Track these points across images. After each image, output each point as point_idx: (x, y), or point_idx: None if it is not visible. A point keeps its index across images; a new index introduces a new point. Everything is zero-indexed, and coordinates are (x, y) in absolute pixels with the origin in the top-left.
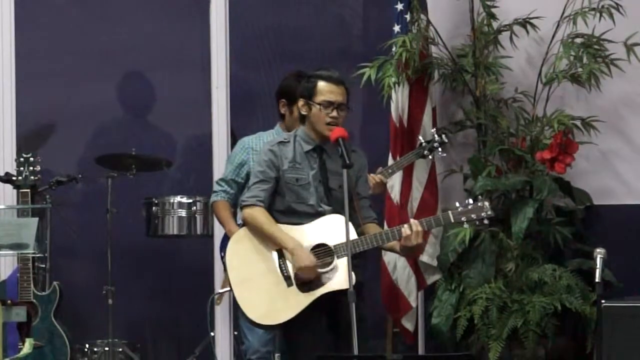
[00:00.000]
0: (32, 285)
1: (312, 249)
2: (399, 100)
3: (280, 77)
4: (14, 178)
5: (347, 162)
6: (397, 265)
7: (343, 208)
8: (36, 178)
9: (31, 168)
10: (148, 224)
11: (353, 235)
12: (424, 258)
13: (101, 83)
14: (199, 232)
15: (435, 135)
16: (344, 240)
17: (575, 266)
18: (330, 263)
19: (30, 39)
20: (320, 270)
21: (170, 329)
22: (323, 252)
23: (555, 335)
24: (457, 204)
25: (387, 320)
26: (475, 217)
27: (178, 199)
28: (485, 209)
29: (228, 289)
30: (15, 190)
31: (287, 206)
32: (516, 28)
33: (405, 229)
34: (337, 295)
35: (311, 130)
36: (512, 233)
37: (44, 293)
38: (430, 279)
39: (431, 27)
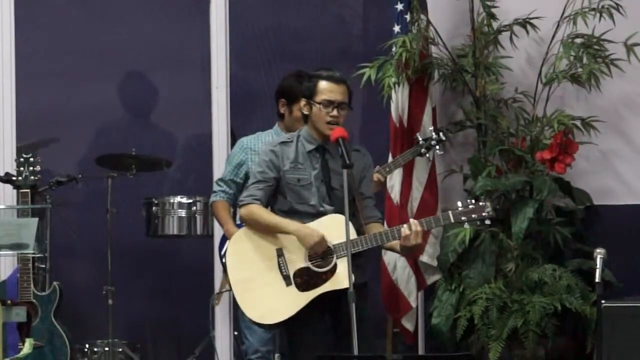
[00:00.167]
0: (32, 285)
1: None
2: (399, 100)
3: (280, 77)
4: (14, 178)
5: (347, 162)
6: (397, 265)
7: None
8: (36, 178)
9: (31, 168)
10: (148, 224)
11: (353, 234)
12: (424, 258)
13: (101, 83)
14: (199, 232)
15: (433, 133)
16: (343, 239)
17: (575, 266)
18: (330, 262)
19: (30, 39)
20: (319, 269)
21: (170, 329)
22: (323, 251)
23: (555, 335)
24: (459, 204)
25: (387, 320)
26: (476, 217)
27: (178, 199)
28: (487, 209)
29: (226, 289)
30: (15, 190)
31: (290, 206)
32: (516, 28)
33: (404, 229)
34: (339, 295)
35: (313, 129)
36: (512, 233)
37: (44, 293)
38: (430, 279)
39: (431, 27)
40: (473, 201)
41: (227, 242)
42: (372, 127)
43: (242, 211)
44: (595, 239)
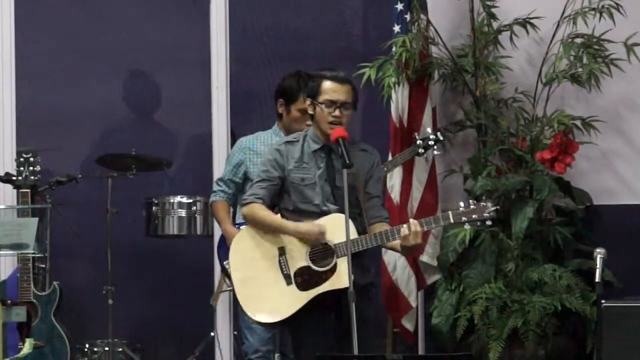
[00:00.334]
0: (32, 285)
1: (313, 248)
2: (399, 100)
3: (280, 77)
4: (14, 178)
5: (347, 162)
6: (397, 265)
7: (351, 207)
8: (36, 178)
9: (31, 168)
10: (148, 224)
11: (354, 234)
12: (424, 258)
13: (101, 83)
14: (199, 232)
15: (431, 134)
16: (344, 239)
17: (575, 266)
18: (331, 262)
19: (30, 39)
20: (319, 269)
21: (170, 329)
22: (324, 250)
23: (555, 335)
24: (461, 204)
25: (387, 320)
26: (476, 218)
27: (178, 199)
28: (488, 210)
29: (223, 289)
30: (15, 190)
31: (294, 206)
32: (516, 28)
33: (404, 229)
34: (341, 295)
35: (317, 129)
36: (512, 233)
37: (44, 293)
38: (430, 279)
39: (431, 27)
40: (474, 201)
41: (227, 242)
42: (372, 127)
43: (244, 210)
44: (595, 239)
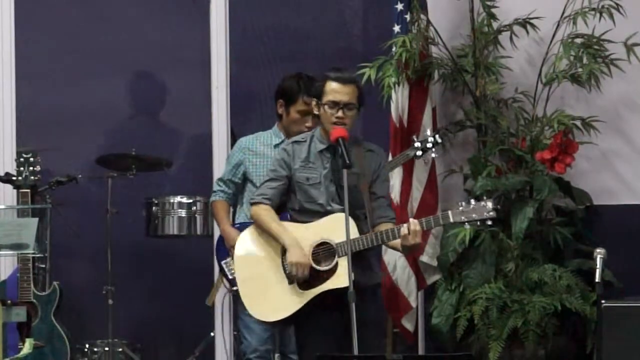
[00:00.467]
0: (32, 285)
1: (314, 247)
2: (399, 100)
3: (280, 77)
4: (14, 178)
5: (347, 162)
6: (397, 265)
7: (356, 207)
8: (36, 178)
9: (31, 168)
10: (148, 224)
11: (356, 234)
12: (424, 258)
13: (101, 83)
14: (199, 232)
15: (429, 136)
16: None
17: (575, 266)
18: (332, 261)
19: (30, 39)
20: (321, 268)
21: (170, 329)
22: (325, 250)
23: (555, 335)
24: (460, 204)
25: (387, 320)
26: (476, 217)
27: (178, 199)
28: (487, 209)
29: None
30: (15, 190)
31: (300, 205)
32: (516, 28)
33: (403, 229)
34: (346, 295)
35: (323, 130)
36: (512, 233)
37: (44, 293)
38: (430, 279)
39: (431, 27)
40: (474, 201)
41: (225, 242)
42: (372, 127)
43: (252, 209)
44: (596, 239)
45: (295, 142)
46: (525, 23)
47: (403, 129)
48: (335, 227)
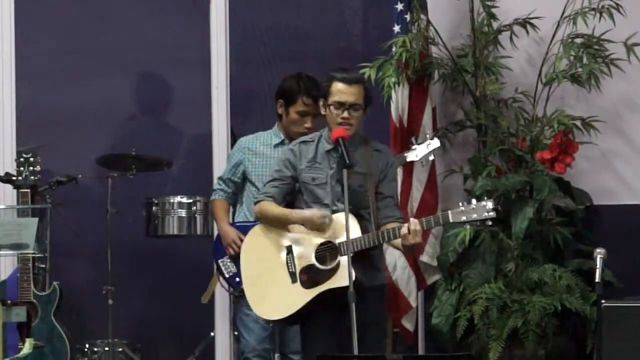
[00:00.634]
0: (32, 285)
1: (318, 246)
2: (399, 100)
3: (280, 77)
4: (14, 178)
5: (347, 162)
6: (397, 265)
7: (363, 207)
8: (36, 178)
9: (31, 168)
10: (148, 224)
11: (358, 233)
12: (424, 258)
13: (101, 83)
14: (199, 232)
15: (428, 138)
16: (350, 237)
17: (575, 266)
18: (335, 260)
19: (30, 39)
20: (323, 267)
21: (170, 329)
22: (329, 249)
23: (555, 335)
24: (461, 204)
25: (387, 320)
26: (476, 217)
27: (178, 199)
28: (487, 209)
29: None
30: (15, 190)
31: (307, 205)
32: (516, 28)
33: (403, 229)
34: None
35: (329, 130)
36: (512, 233)
37: (44, 293)
38: (430, 279)
39: (431, 27)
40: (474, 201)
41: (223, 241)
42: (372, 127)
43: (255, 208)
44: (596, 239)
45: (303, 142)
46: (525, 23)
47: (403, 129)
48: (339, 227)
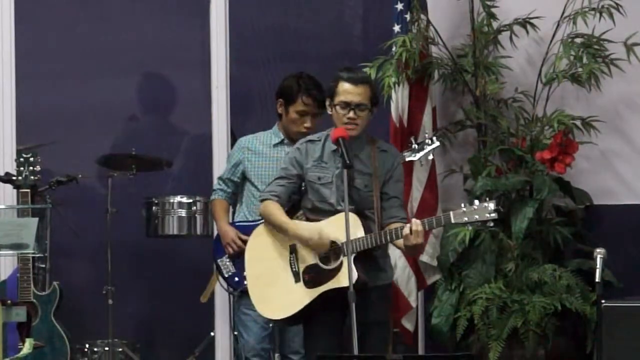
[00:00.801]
0: (32, 285)
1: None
2: (399, 100)
3: (280, 77)
4: (14, 178)
5: (347, 162)
6: (397, 265)
7: (366, 207)
8: (36, 178)
9: (31, 168)
10: (148, 224)
11: (362, 233)
12: (424, 258)
13: (101, 83)
14: (199, 232)
15: (427, 138)
16: (353, 237)
17: (575, 266)
18: (338, 260)
19: (30, 39)
20: (326, 267)
21: (170, 329)
22: (331, 249)
23: (555, 335)
24: (464, 205)
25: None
26: (478, 219)
27: (178, 199)
28: (489, 210)
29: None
30: (15, 190)
31: (312, 204)
32: (516, 28)
33: (405, 229)
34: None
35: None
36: (512, 233)
37: (44, 293)
38: (430, 279)
39: (431, 27)
40: (477, 202)
41: (222, 240)
42: (372, 127)
43: (260, 207)
44: (596, 239)
45: (310, 141)
46: (525, 23)
47: (403, 129)
48: (342, 227)
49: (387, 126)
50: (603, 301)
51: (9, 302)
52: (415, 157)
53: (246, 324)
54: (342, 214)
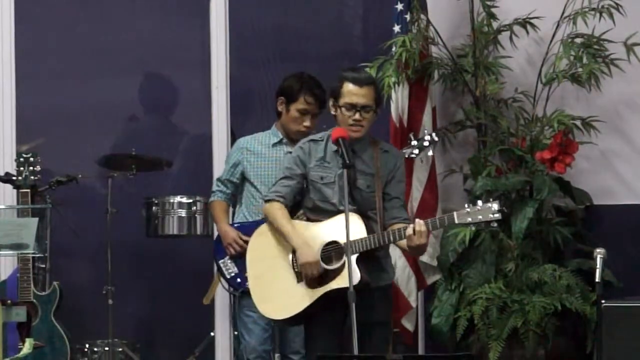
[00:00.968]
0: (32, 285)
1: (324, 246)
2: (398, 100)
3: (280, 77)
4: (14, 178)
5: (347, 162)
6: (397, 265)
7: (370, 208)
8: (36, 178)
9: (31, 168)
10: (148, 224)
11: (364, 234)
12: (424, 258)
13: (101, 83)
14: (199, 232)
15: (426, 135)
16: (355, 237)
17: (575, 266)
18: (340, 260)
19: (30, 39)
20: (328, 267)
21: (170, 329)
22: (335, 249)
23: (555, 335)
24: (466, 206)
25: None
26: (481, 219)
27: (178, 199)
28: (493, 211)
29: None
30: (15, 190)
31: (313, 204)
32: (516, 28)
33: (409, 229)
34: (358, 295)
35: None
36: (512, 233)
37: (44, 293)
38: (430, 279)
39: (431, 27)
40: (480, 202)
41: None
42: (372, 126)
43: (264, 206)
44: (596, 239)
45: (313, 140)
46: (525, 23)
47: (403, 129)
48: (345, 227)
49: (387, 126)
50: (603, 301)
51: (9, 302)
52: (415, 153)
53: (248, 326)
54: (344, 215)
